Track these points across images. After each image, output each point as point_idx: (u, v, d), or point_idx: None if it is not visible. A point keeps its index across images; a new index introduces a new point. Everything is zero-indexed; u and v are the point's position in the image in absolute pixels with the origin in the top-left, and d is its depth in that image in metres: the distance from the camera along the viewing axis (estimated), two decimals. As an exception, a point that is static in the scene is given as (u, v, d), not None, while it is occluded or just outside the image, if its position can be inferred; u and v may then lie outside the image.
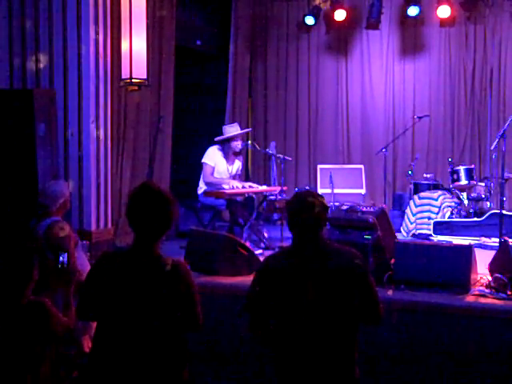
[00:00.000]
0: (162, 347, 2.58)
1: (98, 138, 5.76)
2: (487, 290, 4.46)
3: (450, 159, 7.60)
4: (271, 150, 6.96)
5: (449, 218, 7.05)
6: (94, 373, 2.64)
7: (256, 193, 6.69)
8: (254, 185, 6.75)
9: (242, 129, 6.88)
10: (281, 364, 2.74)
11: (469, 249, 4.66)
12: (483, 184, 7.20)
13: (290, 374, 2.70)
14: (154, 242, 2.64)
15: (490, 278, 4.59)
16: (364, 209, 5.23)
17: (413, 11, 8.31)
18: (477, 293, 4.44)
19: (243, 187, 6.51)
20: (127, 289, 2.58)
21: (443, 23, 8.72)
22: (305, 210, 2.70)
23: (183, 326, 2.63)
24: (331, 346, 2.64)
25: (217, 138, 6.60)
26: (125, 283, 2.58)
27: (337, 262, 2.66)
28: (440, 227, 6.94)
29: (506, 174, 6.24)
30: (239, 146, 6.62)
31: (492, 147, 6.32)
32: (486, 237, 6.69)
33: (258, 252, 5.72)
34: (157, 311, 2.56)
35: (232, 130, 6.65)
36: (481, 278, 4.74)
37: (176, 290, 2.57)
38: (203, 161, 6.53)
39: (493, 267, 4.70)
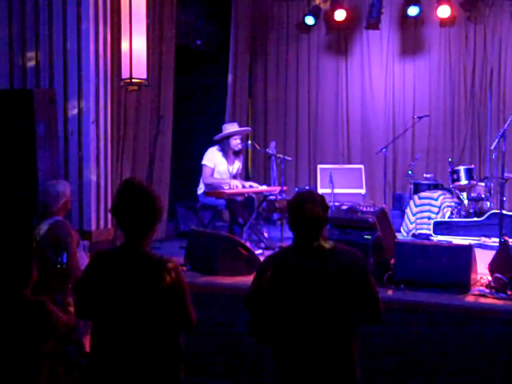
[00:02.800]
0: (154, 346, 2.58)
1: (97, 137, 5.76)
2: (487, 290, 4.46)
3: (449, 159, 7.60)
4: (271, 150, 6.96)
5: (449, 217, 7.05)
6: (91, 372, 2.65)
7: (256, 193, 6.69)
8: (255, 184, 6.75)
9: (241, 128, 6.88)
10: (281, 364, 2.74)
11: (469, 249, 4.65)
12: (483, 184, 7.20)
13: (290, 374, 2.70)
14: (141, 240, 2.64)
15: (490, 278, 4.59)
16: (364, 209, 5.23)
17: (413, 11, 8.30)
18: (477, 293, 4.44)
19: (243, 187, 6.51)
20: (117, 288, 2.59)
21: (443, 23, 8.72)
22: (306, 209, 2.70)
23: (175, 325, 2.63)
24: (332, 347, 2.64)
25: (216, 137, 6.60)
26: (114, 282, 2.59)
27: (337, 261, 2.67)
28: (440, 227, 6.94)
29: (506, 174, 6.23)
30: (239, 146, 6.61)
31: (492, 147, 6.31)
32: (486, 237, 6.69)
33: (257, 252, 5.72)
34: (145, 309, 2.56)
35: (231, 127, 6.65)
36: (481, 277, 4.74)
37: (164, 287, 2.56)
38: (203, 162, 6.53)
39: (493, 267, 4.70)
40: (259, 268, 2.85)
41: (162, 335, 2.60)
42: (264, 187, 6.81)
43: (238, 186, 6.41)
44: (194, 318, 2.67)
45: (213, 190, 6.37)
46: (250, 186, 6.62)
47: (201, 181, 6.59)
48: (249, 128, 7.76)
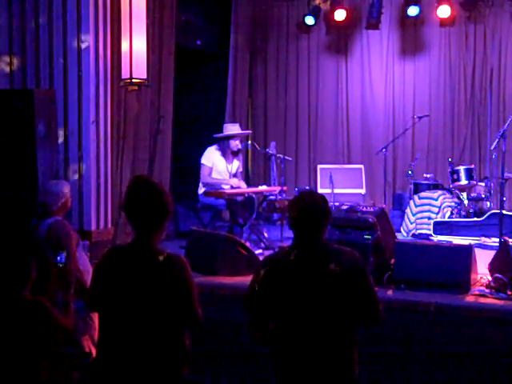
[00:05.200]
0: (161, 342, 2.59)
1: (97, 137, 5.76)
2: (487, 290, 4.47)
3: (449, 159, 7.60)
4: (271, 150, 6.96)
5: (449, 218, 7.05)
6: (98, 366, 2.66)
7: (256, 193, 6.69)
8: (243, 184, 6.74)
9: (242, 130, 6.88)
10: (280, 364, 2.74)
11: (469, 249, 4.66)
12: (483, 184, 7.20)
13: (289, 374, 2.70)
14: (151, 235, 2.65)
15: (490, 278, 4.59)
16: (364, 209, 5.23)
17: (413, 11, 8.30)
18: (477, 293, 4.45)
19: (238, 187, 6.51)
20: (126, 283, 2.60)
21: (443, 23, 8.71)
22: (308, 211, 2.69)
23: (182, 321, 2.64)
24: (330, 346, 2.64)
25: (216, 135, 6.60)
26: (124, 278, 2.61)
27: (336, 262, 2.66)
28: (440, 227, 6.94)
29: (506, 174, 6.24)
30: (239, 146, 6.61)
31: (492, 147, 6.32)
32: (486, 237, 6.69)
33: (257, 252, 5.72)
34: (154, 305, 2.57)
35: (233, 128, 6.65)
36: (481, 277, 4.74)
37: (172, 284, 2.58)
38: (201, 162, 6.55)
39: (493, 267, 4.70)
40: (258, 268, 2.85)
41: (168, 330, 2.61)
42: (264, 187, 6.81)
43: (236, 182, 6.43)
44: (201, 315, 2.67)
45: (213, 189, 6.38)
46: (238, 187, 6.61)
47: (201, 180, 6.59)
48: (250, 131, 7.78)
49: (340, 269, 2.64)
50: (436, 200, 7.15)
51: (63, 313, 3.37)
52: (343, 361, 2.66)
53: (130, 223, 2.71)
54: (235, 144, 6.56)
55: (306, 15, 8.78)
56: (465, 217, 7.06)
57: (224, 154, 6.56)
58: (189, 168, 7.88)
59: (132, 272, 2.60)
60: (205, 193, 6.43)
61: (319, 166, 8.48)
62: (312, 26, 8.96)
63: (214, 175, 6.57)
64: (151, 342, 2.58)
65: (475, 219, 6.94)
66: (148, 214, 2.63)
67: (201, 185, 6.59)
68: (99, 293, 2.69)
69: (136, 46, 5.66)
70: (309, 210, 2.70)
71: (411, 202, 7.34)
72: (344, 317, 2.64)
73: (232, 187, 6.38)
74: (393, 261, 4.77)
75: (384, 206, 6.63)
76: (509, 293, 4.33)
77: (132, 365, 2.58)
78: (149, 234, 2.65)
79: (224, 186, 6.38)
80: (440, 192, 7.34)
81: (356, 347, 2.71)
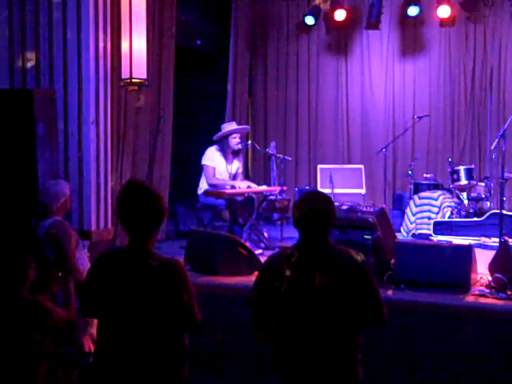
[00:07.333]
0: (160, 346, 2.58)
1: (98, 138, 5.76)
2: (487, 290, 4.46)
3: (449, 159, 7.60)
4: (271, 150, 6.96)
5: (449, 218, 7.05)
6: (96, 371, 2.65)
7: (256, 193, 6.68)
8: (253, 184, 6.72)
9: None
10: (283, 364, 2.73)
11: (469, 249, 4.66)
12: (483, 184, 7.20)
13: (293, 373, 2.69)
14: (146, 240, 2.64)
15: (490, 278, 4.59)
16: (364, 209, 5.23)
17: (413, 11, 8.32)
18: (477, 293, 4.44)
19: (248, 187, 6.48)
20: (121, 288, 2.59)
21: (443, 23, 8.73)
22: (312, 211, 2.67)
23: (181, 326, 2.63)
24: (334, 347, 2.63)
25: (215, 136, 6.59)
26: (119, 282, 2.60)
27: (340, 263, 2.65)
28: (440, 227, 6.94)
29: (506, 174, 6.23)
30: (239, 146, 6.59)
31: (492, 147, 6.31)
32: (486, 237, 6.69)
33: (257, 252, 5.72)
34: (150, 309, 2.56)
35: (229, 126, 6.64)
36: (481, 277, 4.74)
37: (168, 289, 2.56)
38: (203, 163, 6.51)
39: (493, 267, 4.70)
40: (262, 267, 2.85)
41: (167, 335, 2.59)
42: (264, 187, 6.80)
43: (241, 186, 6.40)
44: (200, 320, 2.66)
45: (213, 189, 6.36)
46: (248, 187, 6.60)
47: (201, 181, 6.58)
48: (248, 126, 7.75)
49: (338, 271, 2.63)
50: (436, 200, 7.15)
51: (64, 310, 3.36)
52: (347, 361, 2.65)
53: (123, 228, 2.69)
54: (235, 142, 6.53)
55: (306, 15, 8.79)
56: (465, 217, 7.06)
57: (224, 155, 6.55)
58: (189, 168, 7.88)
59: (128, 277, 2.58)
60: (205, 193, 6.42)
61: (319, 166, 8.48)
62: (312, 25, 8.98)
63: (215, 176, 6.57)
64: (150, 347, 2.56)
65: (475, 219, 6.94)
66: (142, 219, 2.61)
67: (201, 185, 6.58)
68: (94, 298, 2.66)
69: (136, 45, 5.65)
70: (313, 210, 2.68)
71: (411, 202, 7.34)
72: (347, 318, 2.63)
73: (232, 187, 6.36)
74: (393, 261, 4.76)
75: (384, 206, 6.63)
76: (509, 293, 4.33)
77: (131, 368, 2.57)
78: (144, 238, 2.63)
79: (227, 187, 6.36)
80: (440, 192, 7.34)
81: (360, 349, 2.70)
